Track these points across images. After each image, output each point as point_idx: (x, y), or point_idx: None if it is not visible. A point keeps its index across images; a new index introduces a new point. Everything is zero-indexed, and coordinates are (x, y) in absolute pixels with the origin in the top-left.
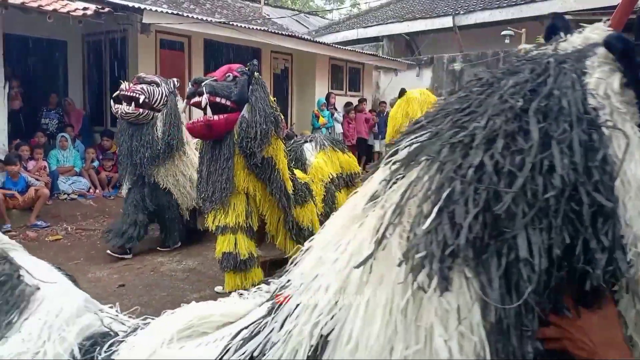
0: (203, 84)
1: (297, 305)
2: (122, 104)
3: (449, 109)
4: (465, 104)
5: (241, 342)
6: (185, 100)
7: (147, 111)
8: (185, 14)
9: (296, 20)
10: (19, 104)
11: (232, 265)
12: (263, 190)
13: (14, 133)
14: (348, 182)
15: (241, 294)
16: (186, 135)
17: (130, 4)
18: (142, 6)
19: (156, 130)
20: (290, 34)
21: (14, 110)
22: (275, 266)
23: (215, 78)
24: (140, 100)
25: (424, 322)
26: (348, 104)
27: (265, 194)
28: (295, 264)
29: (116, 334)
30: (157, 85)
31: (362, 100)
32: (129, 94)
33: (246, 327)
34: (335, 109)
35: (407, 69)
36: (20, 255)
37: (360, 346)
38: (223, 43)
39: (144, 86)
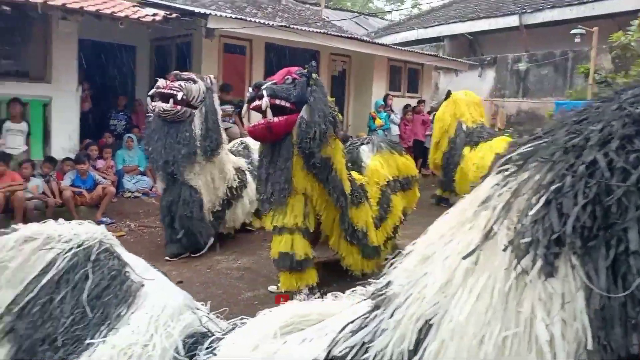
0: (263, 87)
1: (407, 298)
2: (158, 101)
3: (566, 121)
4: (583, 116)
5: (350, 334)
6: (245, 105)
7: (185, 108)
8: (248, 19)
9: (355, 22)
10: (89, 105)
11: (288, 265)
12: (320, 190)
13: (83, 133)
14: (404, 186)
15: (336, 296)
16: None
17: (197, 10)
18: (207, 11)
19: (194, 128)
20: (348, 35)
21: (84, 111)
22: (327, 267)
23: (274, 81)
24: (179, 97)
25: (525, 306)
26: (407, 106)
27: (322, 193)
28: (394, 267)
29: (213, 334)
30: (194, 82)
31: (420, 102)
32: (166, 91)
33: (352, 322)
34: (392, 111)
35: (468, 69)
36: (122, 252)
37: (460, 326)
38: (283, 46)
39: (182, 83)
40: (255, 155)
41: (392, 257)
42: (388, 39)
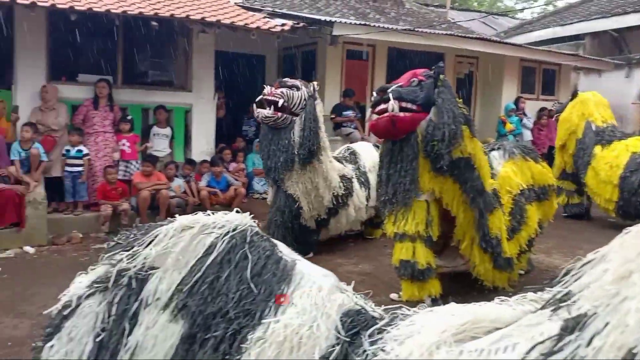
0: (389, 90)
1: (606, 324)
2: (265, 108)
3: None
4: None
5: (541, 356)
6: (369, 109)
7: (285, 115)
8: (371, 24)
9: (483, 23)
10: (223, 112)
11: (409, 274)
12: (454, 190)
13: (218, 138)
14: (540, 195)
15: (502, 300)
16: (324, 142)
17: (322, 18)
18: (333, 19)
19: (293, 135)
20: (476, 36)
21: (219, 118)
22: (452, 279)
23: (400, 84)
24: (279, 104)
25: None
26: (542, 109)
27: (458, 194)
28: (573, 276)
29: (366, 312)
30: (298, 89)
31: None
32: (269, 97)
33: (541, 343)
34: (525, 115)
35: (613, 69)
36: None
37: None
38: (406, 50)
39: (284, 90)
40: (363, 161)
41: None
42: (520, 39)
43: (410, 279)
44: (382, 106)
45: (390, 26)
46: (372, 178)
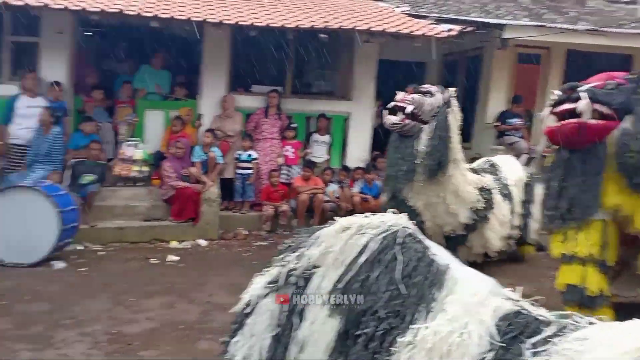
0: (582, 89)
1: None
2: (396, 114)
3: None
4: None
5: None
6: (548, 109)
7: (413, 122)
8: (547, 25)
9: None
10: (379, 121)
11: (577, 300)
12: None
13: (373, 146)
14: None
15: None
16: (456, 153)
17: (492, 21)
18: (504, 22)
19: (417, 144)
20: None
21: (374, 126)
22: (631, 310)
23: (593, 84)
24: (407, 110)
25: None
26: None
27: None
28: None
29: (528, 314)
30: (431, 95)
31: None
32: (400, 103)
33: None
34: None
35: None
36: (423, 238)
37: None
38: (585, 52)
39: (415, 96)
40: (504, 174)
41: None
42: None
43: (577, 306)
44: (568, 105)
45: (569, 26)
46: (516, 193)
